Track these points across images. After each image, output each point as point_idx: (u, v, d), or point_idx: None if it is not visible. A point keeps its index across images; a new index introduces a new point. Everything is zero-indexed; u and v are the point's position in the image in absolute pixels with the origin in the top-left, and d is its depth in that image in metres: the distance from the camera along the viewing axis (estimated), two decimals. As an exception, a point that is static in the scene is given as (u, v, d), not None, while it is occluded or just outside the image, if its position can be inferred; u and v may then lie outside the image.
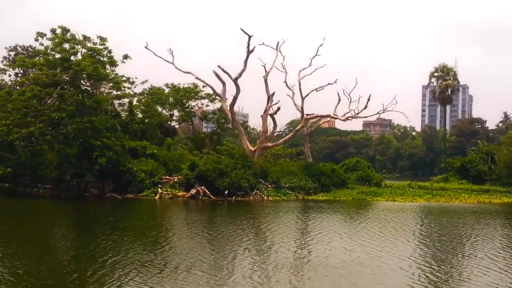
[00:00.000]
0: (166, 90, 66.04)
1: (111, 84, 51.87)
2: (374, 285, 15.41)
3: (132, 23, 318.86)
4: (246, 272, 16.29)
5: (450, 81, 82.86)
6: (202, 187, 45.10)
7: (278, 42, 57.17)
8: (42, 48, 49.48)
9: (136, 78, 58.90)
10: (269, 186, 49.29)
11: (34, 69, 48.81)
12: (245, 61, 52.73)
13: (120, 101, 57.47)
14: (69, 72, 45.33)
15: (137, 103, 62.13)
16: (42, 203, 39.05)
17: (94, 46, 49.07)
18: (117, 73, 52.88)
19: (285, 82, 60.80)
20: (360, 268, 17.41)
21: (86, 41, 49.11)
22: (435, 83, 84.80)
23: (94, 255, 18.81)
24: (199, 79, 55.39)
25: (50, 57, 47.40)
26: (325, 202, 45.64)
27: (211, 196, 44.83)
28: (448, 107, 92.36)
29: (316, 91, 60.65)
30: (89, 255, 18.71)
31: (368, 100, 57.99)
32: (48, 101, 45.87)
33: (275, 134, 60.45)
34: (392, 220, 31.61)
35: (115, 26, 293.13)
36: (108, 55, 50.03)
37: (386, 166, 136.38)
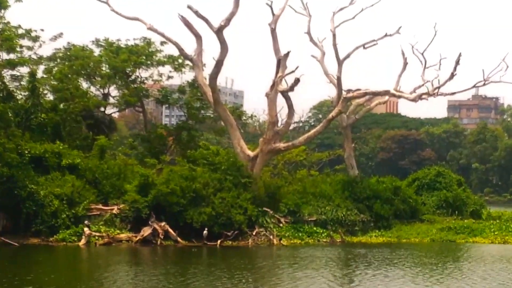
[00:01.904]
0: (96, 52, 66.07)
1: (-3, 41, 51.86)
2: None
3: None
4: None
5: None
6: (163, 224, 45.01)
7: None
8: None
9: (42, 30, 58.90)
10: (282, 220, 49.22)
11: None
12: (236, -2, 52.80)
13: (14, 72, 57.42)
14: None
15: (45, 76, 62.06)
16: None
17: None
18: (8, 22, 52.87)
19: (308, 33, 60.79)
20: None
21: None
22: None
23: None
24: (155, 31, 55.36)
25: None
26: (383, 247, 45.54)
27: (179, 239, 44.74)
28: None
29: (364, 48, 60.70)
30: None
31: (457, 62, 57.90)
32: None
33: (291, 127, 60.45)
34: (507, 281, 31.43)
35: None
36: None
37: (490, 182, 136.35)
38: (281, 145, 56.00)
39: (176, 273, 34.21)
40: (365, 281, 31.17)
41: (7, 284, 29.13)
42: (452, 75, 58.02)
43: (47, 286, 30.01)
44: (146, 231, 44.93)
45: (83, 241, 43.86)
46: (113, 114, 71.37)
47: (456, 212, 60.66)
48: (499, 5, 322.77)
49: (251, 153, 54.05)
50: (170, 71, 67.27)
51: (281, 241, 46.80)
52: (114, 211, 46.60)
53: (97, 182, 49.10)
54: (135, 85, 66.44)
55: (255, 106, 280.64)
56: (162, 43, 63.60)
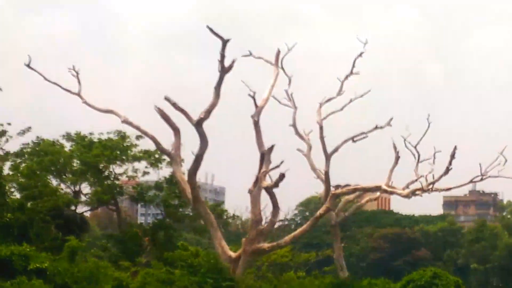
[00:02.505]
0: (67, 146, 66.34)
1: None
2: None
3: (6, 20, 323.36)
4: None
5: None
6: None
7: (279, 51, 57.99)
8: None
9: (9, 124, 59.21)
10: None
11: None
12: (217, 88, 53.28)
13: (-22, 168, 57.55)
14: None
15: (12, 172, 62.16)
16: None
17: None
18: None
19: (294, 126, 61.47)
20: None
21: None
22: None
23: None
24: (130, 124, 55.76)
25: None
26: None
27: None
28: None
29: (353, 141, 61.38)
30: None
31: (453, 156, 58.46)
32: None
33: (276, 226, 60.48)
34: None
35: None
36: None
37: (490, 284, 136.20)
38: (265, 245, 56.04)
39: None
40: None
41: None
42: (447, 170, 58.57)
43: None
44: None
45: None
46: (84, 213, 71.39)
47: (455, 318, 60.51)
48: (495, 94, 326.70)
49: (233, 254, 54.01)
50: (146, 167, 67.70)
51: None
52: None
53: (67, 287, 48.84)
54: (109, 182, 66.67)
55: (237, 203, 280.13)
56: (137, 137, 64.13)
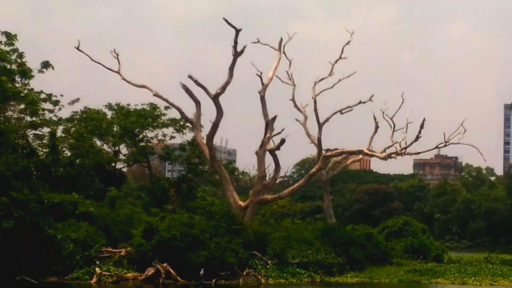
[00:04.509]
0: (109, 114, 66.28)
1: (22, 106, 51.93)
2: None
3: (55, 10, 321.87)
4: None
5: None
6: (165, 265, 44.73)
7: (282, 40, 57.80)
8: None
9: (61, 96, 59.07)
10: (269, 261, 48.94)
11: None
12: (231, 69, 53.10)
13: (37, 132, 57.40)
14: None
15: (64, 135, 62.12)
16: None
17: (-3, 47, 49.40)
18: (32, 89, 53.07)
19: (293, 100, 61.35)
20: None
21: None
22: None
23: None
24: (160, 97, 55.63)
25: None
26: (357, 286, 45.34)
27: (179, 278, 44.44)
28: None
29: (341, 113, 61.23)
30: None
31: (422, 127, 58.25)
32: None
33: (277, 181, 60.51)
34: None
35: (29, 17, 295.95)
36: (19, 61, 50.24)
37: (450, 230, 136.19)
38: (269, 196, 56.12)
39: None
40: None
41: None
42: (417, 137, 58.56)
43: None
44: (150, 271, 44.62)
45: (94, 279, 43.53)
46: (122, 169, 71.27)
47: (421, 256, 60.50)
48: (457, 76, 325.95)
49: (242, 204, 54.07)
50: (173, 132, 67.62)
51: (268, 281, 46.46)
52: (122, 253, 46.30)
53: (108, 228, 48.90)
54: (142, 144, 66.55)
55: (246, 162, 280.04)
56: (166, 108, 63.99)
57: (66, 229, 46.66)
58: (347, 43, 60.70)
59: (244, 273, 46.55)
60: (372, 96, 62.00)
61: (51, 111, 57.52)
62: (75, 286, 42.58)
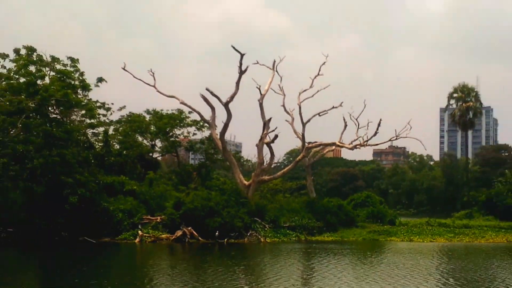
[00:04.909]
0: (147, 117, 66.24)
1: (83, 112, 51.99)
2: None
3: (107, 40, 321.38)
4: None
5: (471, 103, 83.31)
6: (189, 228, 44.80)
7: (275, 61, 57.74)
8: (4, 71, 48.97)
9: (112, 104, 59.20)
10: (267, 225, 49.02)
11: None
12: (237, 83, 53.07)
13: (94, 131, 57.45)
14: (36, 98, 45.24)
15: (114, 133, 62.10)
16: (4, 250, 38.59)
17: (64, 68, 49.33)
18: (91, 99, 53.18)
19: (283, 106, 61.29)
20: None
21: (55, 63, 49.42)
22: (454, 105, 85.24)
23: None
24: (185, 104, 55.62)
25: (13, 81, 47.47)
26: (331, 243, 45.44)
27: (200, 238, 44.49)
28: (470, 133, 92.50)
29: (319, 116, 61.11)
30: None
31: (379, 125, 58.28)
32: (12, 132, 45.71)
33: (272, 166, 60.41)
34: (409, 264, 31.39)
35: (88, 45, 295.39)
36: (80, 78, 50.31)
37: (400, 201, 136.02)
38: (266, 177, 56.16)
39: (200, 259, 34.08)
40: (321, 262, 31.09)
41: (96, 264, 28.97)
42: (375, 133, 58.62)
43: (118, 263, 29.89)
44: (178, 233, 44.67)
45: (137, 239, 43.64)
46: (157, 158, 71.26)
47: (379, 221, 60.56)
48: (405, 87, 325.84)
49: (246, 183, 54.06)
50: (195, 130, 67.56)
51: (266, 240, 46.56)
52: (157, 220, 46.37)
53: (147, 201, 49.01)
54: (172, 139, 66.58)
55: (249, 152, 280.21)
56: (189, 112, 63.75)
57: (116, 202, 46.76)
58: (323, 64, 60.50)
59: (248, 234, 46.57)
60: (342, 103, 61.78)
61: (104, 115, 57.67)
62: (123, 244, 42.66)
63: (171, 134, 66.37)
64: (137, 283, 25.57)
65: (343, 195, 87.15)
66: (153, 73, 54.49)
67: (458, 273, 28.19)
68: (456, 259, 34.76)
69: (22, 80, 47.46)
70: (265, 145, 55.34)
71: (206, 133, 66.60)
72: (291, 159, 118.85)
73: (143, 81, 54.45)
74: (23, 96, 45.91)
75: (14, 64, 48.13)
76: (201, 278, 26.32)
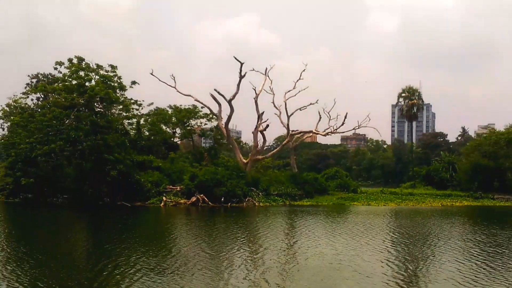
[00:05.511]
0: (169, 111, 65.87)
1: (121, 107, 51.79)
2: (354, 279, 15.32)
3: (138, 52, 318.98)
4: (238, 275, 16.11)
5: (415, 101, 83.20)
6: (202, 195, 44.89)
7: (266, 68, 57.78)
8: (60, 75, 49.37)
9: (143, 100, 58.63)
10: (260, 193, 49.14)
11: (53, 94, 48.77)
12: (238, 85, 53.08)
13: (129, 121, 57.07)
14: (85, 96, 45.69)
15: (144, 123, 61.80)
16: (61, 212, 38.68)
17: (106, 73, 49.12)
18: (126, 97, 52.83)
19: (273, 103, 61.23)
20: (341, 268, 17.33)
21: (99, 69, 49.17)
22: (402, 103, 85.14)
23: (110, 257, 18.61)
24: (198, 101, 55.71)
25: (67, 83, 47.55)
26: (309, 207, 45.54)
27: (209, 203, 44.60)
28: (414, 123, 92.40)
29: (300, 110, 61.13)
30: (105, 260, 18.48)
31: (345, 118, 58.47)
32: (66, 122, 45.93)
33: (264, 148, 60.58)
34: (367, 222, 31.56)
35: (123, 56, 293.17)
36: (118, 81, 50.03)
37: (361, 175, 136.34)
38: (260, 157, 56.27)
39: (210, 218, 34.15)
40: (300, 220, 31.21)
41: (134, 220, 28.98)
42: (343, 123, 59.10)
43: (149, 221, 29.92)
44: (193, 199, 44.76)
45: (162, 204, 43.74)
46: (177, 142, 71.05)
47: (345, 190, 60.80)
48: (369, 86, 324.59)
49: (245, 161, 54.17)
50: (206, 121, 67.17)
51: (260, 204, 46.68)
52: (177, 189, 46.43)
53: (169, 175, 48.99)
54: (188, 128, 66.31)
55: (247, 138, 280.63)
56: (202, 107, 63.39)
57: (146, 175, 46.79)
58: (303, 70, 60.34)
59: (246, 200, 46.67)
60: (317, 100, 62.09)
61: (137, 109, 57.22)
62: (151, 207, 42.72)
63: (187, 124, 66.05)
64: (161, 235, 25.70)
65: (318, 171, 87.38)
66: (173, 77, 54.67)
67: (403, 229, 28.39)
68: (402, 219, 34.97)
69: (74, 82, 47.46)
70: (259, 133, 55.41)
71: (214, 123, 66.28)
72: (278, 143, 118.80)
73: (166, 83, 54.43)
74: (75, 95, 46.14)
75: (68, 70, 48.14)
76: (209, 232, 26.51)
